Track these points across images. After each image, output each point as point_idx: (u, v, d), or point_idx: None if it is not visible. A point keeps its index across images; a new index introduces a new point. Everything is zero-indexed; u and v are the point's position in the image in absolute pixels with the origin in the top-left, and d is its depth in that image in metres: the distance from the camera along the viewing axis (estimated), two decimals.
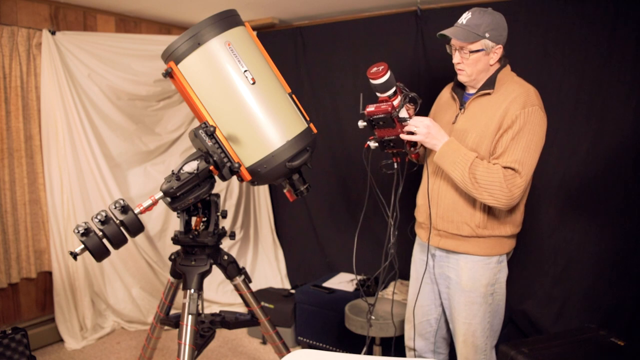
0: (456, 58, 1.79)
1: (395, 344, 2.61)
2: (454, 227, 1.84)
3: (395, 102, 1.74)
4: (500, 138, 1.72)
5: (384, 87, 1.73)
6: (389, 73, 1.71)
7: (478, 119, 1.78)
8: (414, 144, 1.86)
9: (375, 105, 1.75)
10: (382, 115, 1.73)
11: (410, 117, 1.80)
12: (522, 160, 1.69)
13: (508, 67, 1.83)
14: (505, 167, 1.70)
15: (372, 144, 1.83)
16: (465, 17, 1.76)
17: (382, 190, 1.97)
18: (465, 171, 1.70)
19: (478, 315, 1.84)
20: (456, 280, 1.86)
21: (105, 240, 1.59)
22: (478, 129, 1.76)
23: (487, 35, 1.71)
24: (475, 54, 1.74)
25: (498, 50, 1.76)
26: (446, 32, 1.74)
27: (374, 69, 1.72)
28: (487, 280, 1.82)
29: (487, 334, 1.87)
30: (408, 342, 2.12)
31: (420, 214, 1.99)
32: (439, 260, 1.94)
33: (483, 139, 1.75)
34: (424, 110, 2.03)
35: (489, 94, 1.78)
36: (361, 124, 1.80)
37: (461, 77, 1.83)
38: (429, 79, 2.88)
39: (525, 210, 2.74)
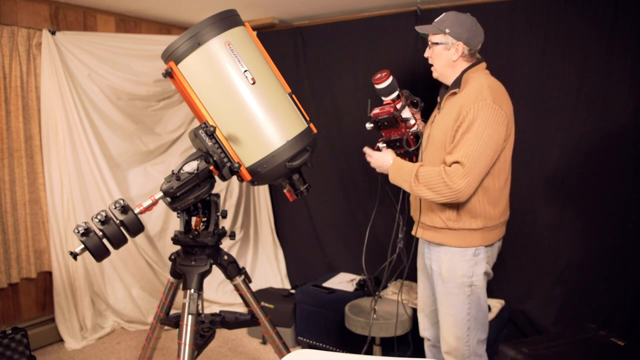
0: (426, 52, 1.96)
1: (392, 344, 2.61)
2: (429, 220, 1.94)
3: (399, 105, 1.94)
4: (455, 134, 1.80)
5: (387, 91, 1.96)
6: (390, 78, 1.94)
7: (444, 119, 1.87)
8: (418, 142, 2.02)
9: (380, 107, 1.98)
10: (386, 116, 1.94)
11: (413, 118, 2.00)
12: (467, 154, 1.73)
13: (480, 66, 1.89)
14: (453, 163, 1.76)
15: (381, 145, 2.04)
16: (438, 17, 1.93)
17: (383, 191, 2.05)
18: (411, 180, 1.83)
19: (456, 306, 1.90)
20: (438, 272, 1.95)
21: (105, 240, 1.59)
22: (443, 129, 1.86)
23: (447, 30, 1.86)
24: (436, 47, 1.89)
25: (458, 47, 1.86)
26: (417, 27, 1.95)
27: (378, 75, 1.96)
28: (463, 272, 1.88)
29: (469, 325, 1.90)
30: (422, 332, 2.19)
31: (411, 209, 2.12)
32: (426, 252, 2.03)
33: (445, 137, 1.84)
34: (427, 111, 2.08)
35: (455, 93, 1.87)
36: (368, 125, 2.03)
37: (433, 73, 1.97)
38: (429, 79, 2.87)
39: (525, 210, 2.75)
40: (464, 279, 1.88)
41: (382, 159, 1.97)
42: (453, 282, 1.89)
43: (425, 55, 1.96)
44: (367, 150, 2.03)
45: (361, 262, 3.30)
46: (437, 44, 1.89)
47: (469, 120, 1.74)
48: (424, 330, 2.18)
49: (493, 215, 1.87)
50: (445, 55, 1.88)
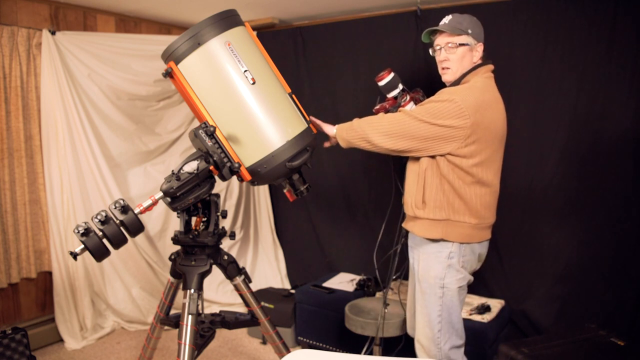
0: (442, 55, 1.89)
1: (395, 344, 2.62)
2: (406, 208, 2.00)
3: (403, 102, 2.02)
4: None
5: (388, 88, 2.03)
6: (390, 76, 2.00)
7: None
8: None
9: (380, 104, 2.07)
10: (383, 112, 2.01)
11: None
12: (409, 111, 1.82)
13: (483, 69, 1.88)
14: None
15: None
16: (446, 19, 1.90)
17: (385, 188, 2.07)
18: (351, 127, 1.93)
19: (428, 306, 1.93)
20: (417, 270, 1.98)
21: (105, 240, 1.59)
22: None
23: (469, 31, 1.85)
24: (461, 48, 1.85)
25: (479, 48, 1.88)
26: (440, 25, 1.88)
27: (380, 74, 2.02)
28: (436, 273, 1.90)
29: (439, 327, 1.91)
30: (409, 331, 2.20)
31: None
32: (410, 250, 2.08)
33: None
34: None
35: None
36: None
37: (447, 77, 1.93)
38: (429, 79, 2.88)
39: (525, 210, 2.75)
40: (436, 280, 1.90)
41: (327, 128, 2.04)
42: (426, 282, 1.93)
43: (442, 58, 1.90)
44: (316, 120, 2.08)
45: (362, 261, 3.32)
46: (463, 45, 1.85)
47: (429, 99, 1.84)
48: (412, 329, 2.18)
49: (459, 210, 1.85)
50: (469, 57, 1.87)
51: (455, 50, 1.86)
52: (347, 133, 1.94)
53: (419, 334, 1.98)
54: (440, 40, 1.90)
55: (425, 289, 1.93)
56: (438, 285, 1.89)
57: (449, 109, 1.75)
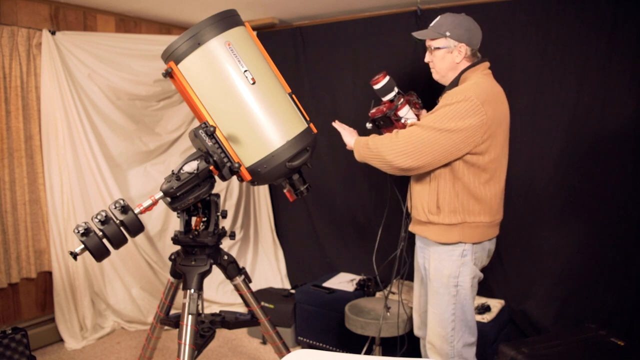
0: (427, 57, 1.96)
1: (395, 344, 2.62)
2: (416, 213, 1.98)
3: (399, 104, 2.00)
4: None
5: (383, 92, 2.04)
6: (385, 80, 2.02)
7: None
8: None
9: (376, 108, 2.06)
10: (380, 116, 2.02)
11: (409, 117, 2.03)
12: (423, 123, 1.78)
13: (480, 66, 1.88)
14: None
15: (369, 126, 2.11)
16: (434, 21, 1.93)
17: (385, 188, 2.08)
18: (366, 146, 1.91)
19: (442, 305, 1.91)
20: (428, 270, 1.97)
21: (105, 240, 1.59)
22: None
23: (447, 33, 1.85)
24: (439, 51, 1.89)
25: (461, 49, 1.86)
26: (414, 33, 1.95)
27: (375, 77, 2.04)
28: (449, 272, 1.89)
29: (453, 326, 1.91)
30: (416, 331, 2.20)
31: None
32: (420, 251, 2.06)
33: None
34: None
35: None
36: (368, 125, 2.10)
37: (434, 75, 1.98)
38: (429, 79, 2.88)
39: (525, 210, 2.75)
40: (450, 279, 1.89)
41: (348, 136, 2.04)
42: (439, 281, 1.91)
43: (426, 60, 1.96)
44: (338, 124, 2.10)
45: (361, 261, 3.32)
46: (439, 48, 1.88)
47: (441, 104, 1.79)
48: (418, 330, 2.19)
49: (474, 211, 1.85)
50: (449, 58, 1.88)
51: (436, 53, 1.90)
52: (363, 150, 1.94)
53: (430, 334, 1.97)
54: (427, 42, 1.95)
55: (438, 288, 1.91)
56: (452, 284, 1.88)
57: (466, 107, 1.72)
